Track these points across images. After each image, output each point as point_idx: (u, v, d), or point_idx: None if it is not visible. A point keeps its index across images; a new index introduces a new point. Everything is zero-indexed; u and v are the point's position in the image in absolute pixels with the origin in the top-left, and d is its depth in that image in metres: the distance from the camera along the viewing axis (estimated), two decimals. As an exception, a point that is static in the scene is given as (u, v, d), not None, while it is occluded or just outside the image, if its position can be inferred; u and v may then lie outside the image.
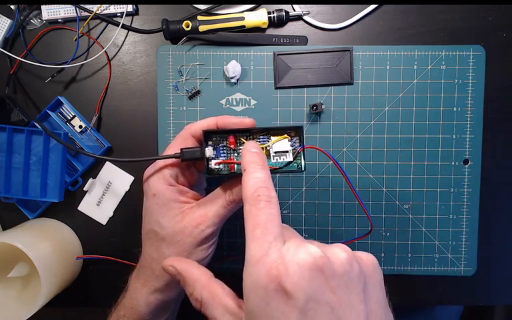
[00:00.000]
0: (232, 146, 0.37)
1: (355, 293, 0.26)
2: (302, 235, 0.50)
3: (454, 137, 0.49)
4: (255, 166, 0.31)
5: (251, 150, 0.33)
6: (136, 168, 0.50)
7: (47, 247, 0.45)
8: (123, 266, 0.49)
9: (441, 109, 0.49)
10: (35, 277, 0.45)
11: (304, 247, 0.26)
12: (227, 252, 0.50)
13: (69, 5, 0.48)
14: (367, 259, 0.28)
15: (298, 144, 0.37)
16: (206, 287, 0.31)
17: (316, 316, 0.24)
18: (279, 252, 0.26)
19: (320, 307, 0.24)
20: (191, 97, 0.49)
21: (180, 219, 0.37)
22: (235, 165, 0.37)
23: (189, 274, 0.33)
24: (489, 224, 0.50)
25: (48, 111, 0.49)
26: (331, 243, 0.50)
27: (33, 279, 0.48)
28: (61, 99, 0.49)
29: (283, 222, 0.50)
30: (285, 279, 0.25)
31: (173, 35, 0.48)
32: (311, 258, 0.25)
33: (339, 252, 0.27)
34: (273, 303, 0.25)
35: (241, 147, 0.37)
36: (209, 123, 0.38)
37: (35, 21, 0.49)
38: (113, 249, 0.51)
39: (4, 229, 0.51)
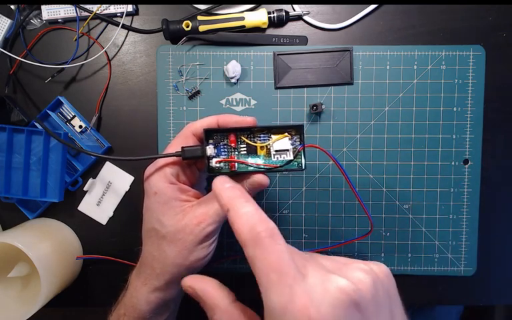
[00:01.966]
0: (233, 144, 0.37)
1: (385, 316, 0.25)
2: (302, 235, 0.50)
3: (454, 136, 0.49)
4: (238, 200, 0.28)
5: (224, 185, 0.30)
6: (136, 168, 0.50)
7: (47, 247, 0.45)
8: (123, 266, 0.49)
9: (441, 109, 0.49)
10: (35, 277, 0.45)
11: (331, 282, 0.24)
12: (226, 252, 0.50)
13: (69, 5, 0.48)
14: (382, 271, 0.27)
15: (298, 143, 0.37)
16: (226, 313, 0.30)
17: None
18: (305, 294, 0.24)
19: None
20: (190, 97, 0.49)
21: (181, 217, 0.37)
22: (236, 163, 0.37)
23: (208, 297, 0.30)
24: (489, 224, 0.50)
25: (48, 111, 0.49)
26: (331, 242, 0.50)
27: (33, 279, 0.48)
28: (61, 99, 0.49)
29: (282, 222, 0.50)
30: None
31: (173, 35, 0.48)
32: (343, 295, 0.24)
33: (363, 277, 0.25)
34: None
35: (241, 146, 0.37)
36: (209, 121, 0.38)
37: (35, 21, 0.49)
38: (113, 248, 0.51)
39: (4, 228, 0.51)
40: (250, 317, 0.30)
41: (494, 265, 0.51)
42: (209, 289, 0.31)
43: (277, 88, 0.49)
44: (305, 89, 0.49)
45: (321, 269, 0.26)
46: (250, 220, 0.27)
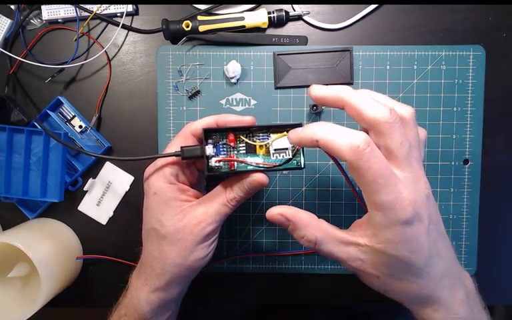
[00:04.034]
0: (232, 144, 0.37)
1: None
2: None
3: (454, 137, 0.49)
4: (324, 129, 0.31)
5: (299, 130, 0.33)
6: (136, 168, 0.50)
7: (47, 247, 0.45)
8: (123, 266, 0.49)
9: (441, 109, 0.49)
10: (35, 277, 0.45)
11: (421, 179, 0.32)
12: (226, 252, 0.50)
13: (69, 5, 0.48)
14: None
15: None
16: (318, 227, 0.34)
17: (432, 228, 0.32)
18: (408, 189, 0.30)
19: (434, 218, 0.32)
20: (191, 97, 0.49)
21: (181, 217, 0.37)
22: (235, 163, 0.37)
23: (298, 219, 0.34)
24: (489, 224, 0.50)
25: (48, 111, 0.49)
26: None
27: (33, 279, 0.48)
28: (61, 99, 0.49)
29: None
30: (420, 209, 0.30)
31: (173, 35, 0.48)
32: (426, 189, 0.32)
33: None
34: (409, 230, 0.30)
35: (241, 145, 0.37)
36: (208, 121, 0.39)
37: (35, 21, 0.49)
38: (113, 248, 0.51)
39: (4, 228, 0.51)
40: (335, 228, 0.34)
41: (494, 264, 0.51)
42: (297, 213, 0.34)
43: (277, 88, 0.49)
44: (305, 88, 0.49)
45: (412, 171, 0.31)
46: (345, 139, 0.30)
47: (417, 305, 0.34)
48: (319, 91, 0.34)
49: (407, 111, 0.33)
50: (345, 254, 0.33)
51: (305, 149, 0.37)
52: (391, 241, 0.31)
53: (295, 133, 0.34)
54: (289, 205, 0.49)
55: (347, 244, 0.33)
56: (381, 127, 0.30)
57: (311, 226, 0.34)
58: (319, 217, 0.50)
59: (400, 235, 0.30)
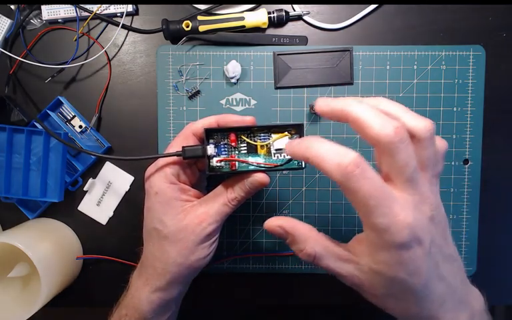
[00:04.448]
0: (233, 144, 0.37)
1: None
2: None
3: (454, 137, 0.49)
4: (314, 146, 0.29)
5: (293, 144, 0.31)
6: (136, 168, 0.50)
7: (47, 247, 0.45)
8: (123, 266, 0.49)
9: (441, 109, 0.49)
10: (35, 277, 0.45)
11: (425, 200, 0.30)
12: (226, 252, 0.50)
13: (69, 5, 0.48)
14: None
15: None
16: (317, 242, 0.33)
17: (435, 251, 0.30)
18: (406, 211, 0.28)
19: (436, 244, 0.30)
20: (190, 97, 0.49)
21: (182, 217, 0.37)
22: (237, 163, 0.37)
23: (298, 233, 0.33)
24: (489, 224, 0.50)
25: (48, 111, 0.49)
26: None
27: (33, 279, 0.48)
28: (61, 99, 0.49)
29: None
30: (419, 232, 0.28)
31: (173, 35, 0.48)
32: (431, 211, 0.30)
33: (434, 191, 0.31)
34: (405, 254, 0.28)
35: (242, 145, 0.37)
36: (210, 121, 0.39)
37: (35, 21, 0.49)
38: (113, 248, 0.51)
39: (4, 228, 0.51)
40: (335, 242, 0.33)
41: (494, 264, 0.51)
42: (296, 225, 0.33)
43: (277, 88, 0.49)
44: (305, 89, 0.49)
45: (410, 194, 0.29)
46: (334, 159, 0.28)
47: None
48: (322, 105, 0.31)
49: (422, 127, 0.29)
50: (344, 271, 0.32)
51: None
52: (386, 262, 0.29)
53: (290, 147, 0.32)
54: (289, 204, 0.49)
55: (345, 261, 0.32)
56: (383, 146, 0.28)
57: (310, 240, 0.33)
58: (319, 218, 0.50)
59: (396, 258, 0.29)
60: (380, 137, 0.28)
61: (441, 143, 0.32)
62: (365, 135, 0.29)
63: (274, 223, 0.34)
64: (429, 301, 0.31)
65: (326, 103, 0.31)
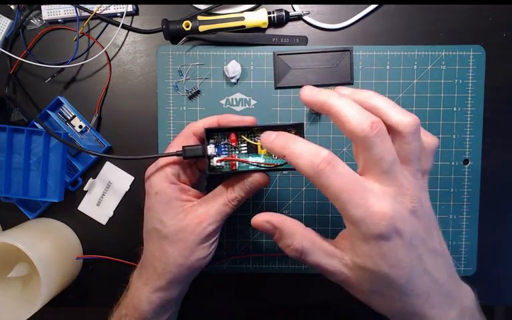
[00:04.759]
0: (233, 144, 0.37)
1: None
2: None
3: (454, 137, 0.49)
4: (289, 143, 0.30)
5: (271, 137, 0.32)
6: (136, 168, 0.50)
7: (47, 247, 0.45)
8: (123, 266, 0.49)
9: (441, 109, 0.49)
10: (35, 277, 0.45)
11: (406, 193, 0.29)
12: (226, 252, 0.50)
13: (69, 5, 0.48)
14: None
15: None
16: (305, 236, 0.32)
17: (417, 243, 0.30)
18: (382, 202, 0.28)
19: (418, 236, 0.30)
20: (190, 97, 0.49)
21: (182, 216, 0.37)
22: (237, 162, 0.37)
23: (286, 227, 0.33)
24: (489, 224, 0.50)
25: (48, 111, 0.49)
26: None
27: (33, 279, 0.48)
28: (61, 99, 0.49)
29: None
30: (397, 224, 0.28)
31: (173, 35, 0.48)
32: (411, 205, 0.30)
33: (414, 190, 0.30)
34: (385, 245, 0.28)
35: (242, 145, 0.37)
36: (210, 121, 0.39)
37: (35, 21, 0.49)
38: (113, 248, 0.51)
39: (4, 228, 0.51)
40: (322, 238, 0.33)
41: (494, 264, 0.51)
42: (285, 221, 0.33)
43: (277, 88, 0.49)
44: (305, 88, 0.49)
45: (382, 182, 0.29)
46: (306, 156, 0.29)
47: None
48: (306, 93, 0.32)
49: (406, 122, 0.30)
50: (331, 266, 0.32)
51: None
52: (368, 254, 0.29)
53: (267, 139, 0.32)
54: (289, 204, 0.49)
55: (332, 256, 0.32)
56: (359, 140, 0.29)
57: (298, 234, 0.33)
58: (318, 217, 0.50)
59: (376, 249, 0.29)
60: (356, 130, 0.28)
61: (431, 140, 0.33)
62: (343, 129, 0.29)
63: (261, 218, 0.34)
64: (414, 296, 0.31)
65: (311, 93, 0.31)
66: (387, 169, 0.29)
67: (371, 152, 0.28)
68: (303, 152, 0.29)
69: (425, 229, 0.31)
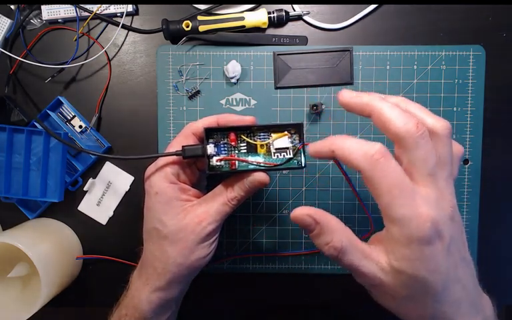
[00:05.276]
0: (233, 143, 0.37)
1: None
2: (302, 235, 0.50)
3: (454, 137, 0.49)
4: (339, 140, 0.30)
5: (316, 144, 0.32)
6: (136, 168, 0.50)
7: (47, 247, 0.45)
8: (123, 266, 0.49)
9: (441, 109, 0.49)
10: (35, 277, 0.45)
11: (446, 198, 0.30)
12: (226, 252, 0.50)
13: (69, 5, 0.48)
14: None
15: (298, 141, 0.37)
16: (344, 235, 0.31)
17: (453, 250, 0.30)
18: (428, 205, 0.28)
19: (457, 239, 0.30)
20: (190, 97, 0.49)
21: (182, 216, 0.37)
22: (236, 162, 0.37)
23: (327, 223, 0.32)
24: (489, 224, 0.50)
25: (48, 111, 0.49)
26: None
27: (33, 279, 0.48)
28: (61, 99, 0.49)
29: (282, 222, 0.50)
30: (440, 227, 0.28)
31: (173, 35, 0.48)
32: (450, 210, 0.30)
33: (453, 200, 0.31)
34: (427, 249, 0.28)
35: (241, 145, 0.37)
36: (210, 121, 0.39)
37: (35, 21, 0.49)
38: (113, 248, 0.51)
39: (4, 228, 0.51)
40: (360, 239, 0.32)
41: (494, 264, 0.51)
42: (326, 217, 0.32)
43: (277, 88, 0.49)
44: (305, 89, 0.49)
45: (433, 190, 0.30)
46: (360, 148, 0.29)
47: None
48: (346, 95, 0.32)
49: (440, 125, 0.30)
50: (366, 269, 0.31)
51: (305, 148, 0.37)
52: (408, 258, 0.29)
53: (313, 146, 0.32)
54: (289, 204, 0.49)
55: (368, 259, 0.31)
56: (405, 141, 0.29)
57: (338, 232, 0.31)
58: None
59: (417, 253, 0.28)
60: (401, 131, 0.28)
61: (457, 148, 0.33)
62: (386, 130, 0.29)
63: (303, 211, 0.32)
64: (446, 304, 0.30)
65: (351, 95, 0.32)
66: (431, 171, 0.29)
67: (415, 152, 0.29)
68: (355, 144, 0.29)
69: (460, 236, 0.31)
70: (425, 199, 0.28)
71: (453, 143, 0.32)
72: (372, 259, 0.31)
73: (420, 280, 0.29)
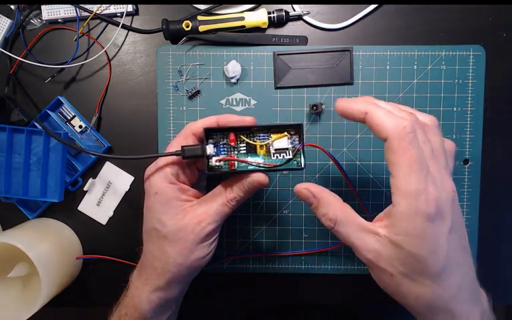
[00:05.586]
0: (232, 143, 0.37)
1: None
2: (302, 235, 0.50)
3: (454, 137, 0.49)
4: (373, 104, 0.32)
5: (352, 100, 0.34)
6: (136, 168, 0.50)
7: (47, 247, 0.45)
8: (123, 266, 0.49)
9: (441, 109, 0.49)
10: (35, 277, 0.45)
11: (447, 182, 0.32)
12: (226, 252, 0.50)
13: (69, 5, 0.48)
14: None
15: (298, 142, 0.37)
16: (340, 208, 0.34)
17: (454, 235, 0.31)
18: (435, 184, 0.30)
19: (457, 226, 0.32)
20: (190, 97, 0.49)
21: (181, 216, 0.37)
22: (236, 162, 0.37)
23: (324, 196, 0.35)
24: (489, 224, 0.50)
25: (48, 111, 0.49)
26: (331, 243, 0.50)
27: (33, 279, 0.48)
28: (61, 99, 0.49)
29: (282, 222, 0.50)
30: (444, 209, 0.30)
31: (173, 35, 0.48)
32: (454, 187, 0.32)
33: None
34: (430, 228, 0.30)
35: (241, 145, 0.37)
36: (210, 121, 0.39)
37: (35, 21, 0.49)
38: (113, 248, 0.51)
39: (4, 228, 0.51)
40: (357, 214, 0.34)
41: (494, 264, 0.51)
42: (323, 191, 0.35)
43: (277, 88, 0.49)
44: (305, 88, 0.49)
45: (438, 171, 0.32)
46: (394, 118, 0.31)
47: (428, 316, 0.32)
48: (344, 105, 0.34)
49: (429, 118, 0.34)
50: (362, 241, 0.33)
51: (305, 149, 0.37)
52: (409, 233, 0.30)
53: (343, 103, 0.34)
54: (289, 204, 0.50)
55: (366, 231, 0.33)
56: (398, 135, 0.31)
57: (334, 205, 0.34)
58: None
59: (419, 229, 0.30)
60: (397, 129, 0.30)
61: (449, 144, 0.35)
62: (379, 129, 0.31)
63: (302, 186, 0.36)
64: (445, 288, 0.31)
65: (345, 105, 0.34)
66: (430, 154, 0.31)
67: (415, 143, 0.30)
68: (391, 113, 0.31)
69: (460, 223, 0.33)
70: (433, 179, 0.30)
71: (444, 140, 0.34)
72: (369, 231, 0.33)
73: (418, 257, 0.30)
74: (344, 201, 0.49)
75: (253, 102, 0.49)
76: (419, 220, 0.30)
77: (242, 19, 0.47)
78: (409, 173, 0.30)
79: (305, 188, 0.35)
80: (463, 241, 0.33)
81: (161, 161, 0.38)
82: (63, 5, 0.48)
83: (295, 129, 0.37)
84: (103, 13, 0.48)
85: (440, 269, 0.31)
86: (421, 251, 0.30)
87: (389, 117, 0.31)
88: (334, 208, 0.34)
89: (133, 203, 0.50)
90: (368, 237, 0.33)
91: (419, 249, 0.30)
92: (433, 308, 0.32)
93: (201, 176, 0.43)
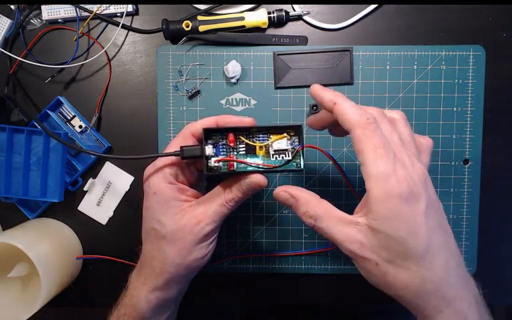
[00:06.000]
0: (232, 144, 0.37)
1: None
2: (302, 235, 0.50)
3: (454, 137, 0.49)
4: (342, 97, 0.34)
5: (324, 89, 0.35)
6: (136, 168, 0.50)
7: (47, 247, 0.45)
8: (123, 266, 0.49)
9: (441, 109, 0.49)
10: (35, 277, 0.45)
11: (417, 165, 0.33)
12: (226, 252, 0.50)
13: (69, 5, 0.48)
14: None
15: (297, 143, 0.37)
16: (318, 205, 0.35)
17: (431, 215, 0.32)
18: (405, 167, 0.31)
19: (433, 206, 0.32)
20: (190, 97, 0.49)
21: (180, 217, 0.37)
22: (235, 163, 0.37)
23: (302, 195, 0.36)
24: (489, 224, 0.50)
25: (48, 111, 0.49)
26: (331, 244, 0.50)
27: (33, 279, 0.48)
28: (61, 99, 0.49)
29: (282, 222, 0.50)
30: (416, 188, 0.31)
31: (173, 35, 0.48)
32: (425, 171, 0.33)
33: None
34: (405, 208, 0.30)
35: (240, 146, 0.37)
36: (209, 121, 0.39)
37: (35, 21, 0.49)
38: (113, 248, 0.51)
39: (4, 228, 0.51)
40: (335, 208, 0.35)
41: (494, 264, 0.51)
42: (301, 192, 0.36)
43: (277, 88, 0.49)
44: (305, 89, 0.49)
45: (410, 156, 0.33)
46: (359, 109, 0.32)
47: (420, 304, 0.32)
48: (317, 89, 0.36)
49: (397, 112, 0.35)
50: (344, 234, 0.33)
51: (305, 150, 0.37)
52: (386, 216, 0.31)
53: (318, 88, 0.36)
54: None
55: (346, 223, 0.33)
56: (369, 126, 0.32)
57: (312, 203, 0.35)
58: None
59: (395, 210, 0.30)
60: (360, 119, 0.32)
61: (426, 140, 0.37)
62: (345, 119, 0.33)
63: (280, 189, 0.37)
64: (432, 271, 0.31)
65: (319, 90, 0.36)
66: (397, 141, 0.33)
67: (378, 132, 0.32)
68: (353, 106, 0.33)
69: (437, 204, 0.33)
70: (401, 162, 0.31)
71: (422, 137, 0.37)
72: (349, 222, 0.33)
73: (398, 240, 0.31)
74: (344, 201, 0.50)
75: (252, 102, 0.49)
76: (392, 201, 0.30)
77: (242, 19, 0.47)
78: (376, 156, 0.31)
79: (283, 190, 0.36)
80: (442, 221, 0.33)
81: (160, 161, 0.38)
82: (63, 5, 0.48)
83: (294, 130, 0.37)
84: (102, 13, 0.48)
85: (423, 251, 0.31)
86: (400, 232, 0.30)
87: (354, 109, 0.32)
88: (313, 205, 0.35)
89: (132, 203, 0.50)
90: (349, 228, 0.33)
91: (398, 231, 0.31)
92: (423, 294, 0.31)
93: (201, 176, 0.43)
